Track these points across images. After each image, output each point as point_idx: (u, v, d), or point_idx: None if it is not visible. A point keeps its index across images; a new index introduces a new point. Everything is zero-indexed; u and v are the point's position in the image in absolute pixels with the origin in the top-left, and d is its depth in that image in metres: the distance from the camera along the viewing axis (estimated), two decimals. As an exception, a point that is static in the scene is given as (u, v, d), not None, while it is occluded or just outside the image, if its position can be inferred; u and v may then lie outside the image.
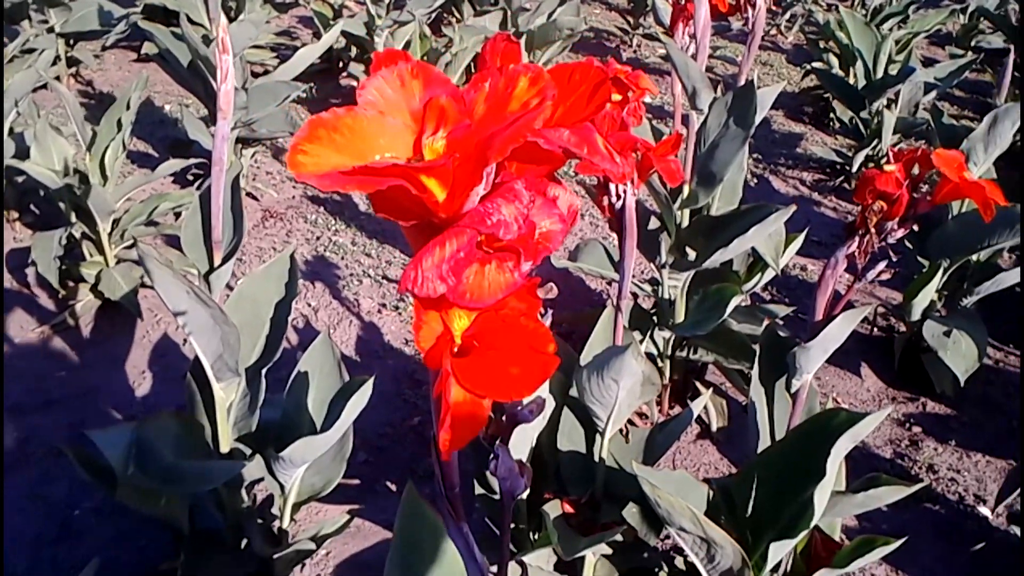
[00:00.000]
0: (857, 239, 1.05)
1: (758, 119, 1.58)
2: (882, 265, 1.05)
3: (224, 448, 1.28)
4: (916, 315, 2.04)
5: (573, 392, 1.28)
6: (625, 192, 1.08)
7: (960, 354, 1.97)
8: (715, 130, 1.62)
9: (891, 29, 3.57)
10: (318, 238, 2.53)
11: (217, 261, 1.20)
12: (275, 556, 1.33)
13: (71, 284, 2.09)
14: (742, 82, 1.67)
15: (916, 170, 1.04)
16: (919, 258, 2.09)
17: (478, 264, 0.42)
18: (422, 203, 0.42)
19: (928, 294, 2.02)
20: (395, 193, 0.40)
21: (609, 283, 2.33)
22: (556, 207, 0.45)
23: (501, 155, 0.40)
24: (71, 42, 3.36)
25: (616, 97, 1.03)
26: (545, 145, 0.41)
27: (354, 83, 3.50)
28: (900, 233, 1.04)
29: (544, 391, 1.26)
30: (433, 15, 3.47)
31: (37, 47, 2.86)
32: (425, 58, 3.03)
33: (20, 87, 2.25)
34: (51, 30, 3.10)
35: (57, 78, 3.16)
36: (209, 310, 1.13)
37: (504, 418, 0.62)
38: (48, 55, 2.51)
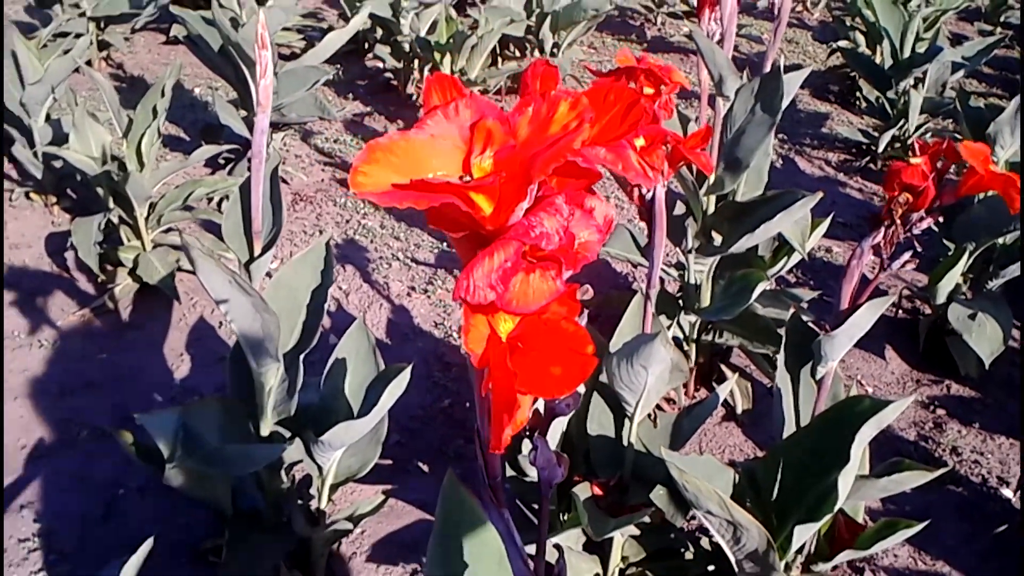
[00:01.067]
0: (883, 230, 1.07)
1: (784, 104, 1.59)
2: (907, 255, 1.07)
3: (265, 432, 1.32)
4: (941, 298, 2.05)
5: (603, 378, 1.31)
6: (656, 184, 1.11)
7: (985, 337, 1.98)
8: (741, 116, 1.63)
9: (919, 6, 3.54)
10: (347, 221, 2.57)
11: (257, 251, 1.24)
12: (314, 535, 1.38)
13: (109, 268, 2.15)
14: (768, 67, 1.68)
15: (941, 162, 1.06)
16: (945, 241, 2.10)
17: (523, 273, 0.45)
18: (471, 217, 0.45)
19: (954, 277, 2.02)
20: (447, 208, 0.44)
21: (635, 266, 2.35)
22: (593, 218, 0.48)
23: (544, 174, 0.43)
24: (101, 25, 3.40)
25: (648, 91, 1.05)
26: (583, 164, 0.45)
27: (380, 64, 3.52)
28: (925, 224, 1.06)
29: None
30: (458, -4, 3.49)
31: (68, 31, 2.91)
32: (451, 41, 3.05)
33: (56, 74, 2.30)
34: (83, 14, 3.15)
35: (88, 62, 3.21)
36: (250, 298, 1.17)
37: (543, 411, 0.65)
38: (84, 41, 2.56)
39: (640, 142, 1.01)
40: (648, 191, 1.12)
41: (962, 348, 2.02)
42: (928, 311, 2.21)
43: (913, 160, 1.05)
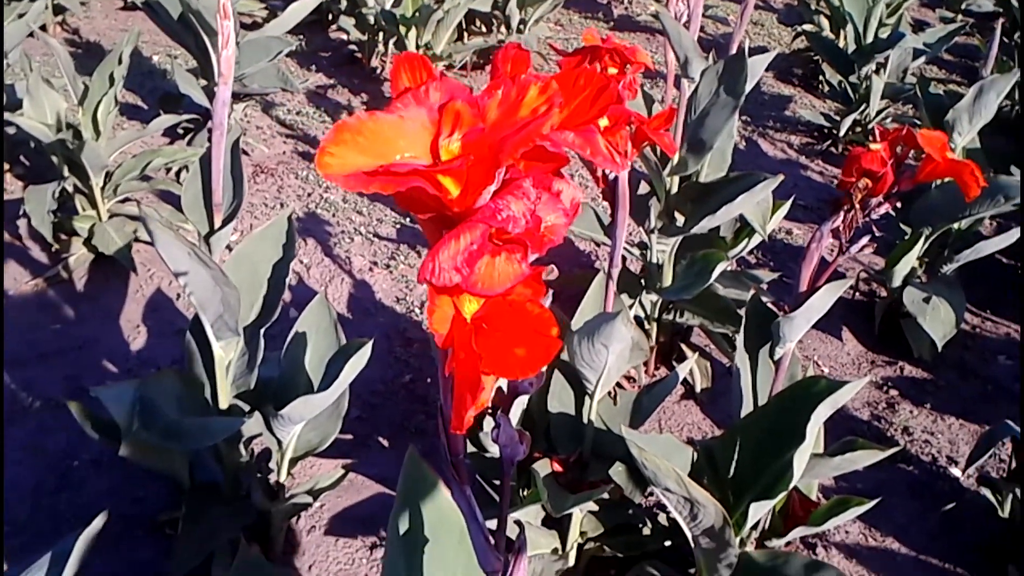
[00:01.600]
0: (842, 214, 1.09)
1: (748, 87, 1.60)
2: (865, 239, 1.09)
3: (223, 405, 1.31)
4: (897, 281, 2.09)
5: (564, 356, 1.32)
6: (618, 164, 1.11)
7: (938, 320, 2.02)
8: (706, 98, 1.64)
9: (882, -9, 3.57)
10: (309, 194, 2.55)
11: (217, 223, 1.23)
12: (273, 509, 1.37)
13: (64, 238, 2.11)
14: (734, 50, 1.69)
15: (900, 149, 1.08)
16: (902, 225, 2.14)
17: (489, 256, 0.45)
18: (438, 199, 0.45)
19: (909, 261, 2.06)
20: (414, 191, 0.44)
21: (598, 245, 2.36)
22: (560, 202, 0.49)
23: (512, 157, 0.43)
24: (57, -11, 3.32)
25: (612, 71, 1.05)
26: (552, 148, 0.45)
27: (344, 36, 3.48)
28: (884, 209, 1.08)
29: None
30: (425, -31, 3.44)
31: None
32: (417, 15, 3.02)
33: (10, 38, 2.24)
34: (38, -23, 3.07)
35: (43, 27, 3.13)
36: (210, 271, 1.16)
37: (505, 389, 0.65)
38: (38, 5, 2.49)
39: (604, 122, 1.01)
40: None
41: (916, 330, 2.06)
42: (884, 294, 2.25)
43: (872, 146, 1.06)
